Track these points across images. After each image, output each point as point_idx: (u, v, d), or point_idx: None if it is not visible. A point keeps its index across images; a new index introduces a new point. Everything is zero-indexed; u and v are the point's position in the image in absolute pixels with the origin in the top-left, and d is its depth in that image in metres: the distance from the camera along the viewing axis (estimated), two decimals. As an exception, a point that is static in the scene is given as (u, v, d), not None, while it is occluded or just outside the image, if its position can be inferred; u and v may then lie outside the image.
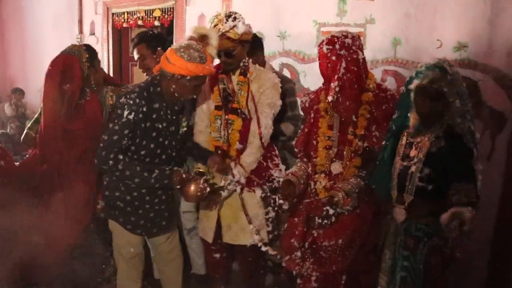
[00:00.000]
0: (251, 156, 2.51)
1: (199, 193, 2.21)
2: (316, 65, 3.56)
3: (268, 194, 2.61)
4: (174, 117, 2.36)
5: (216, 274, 2.98)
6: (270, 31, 3.79)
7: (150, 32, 3.06)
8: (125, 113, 2.15)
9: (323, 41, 2.19)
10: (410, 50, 3.17)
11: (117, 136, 2.16)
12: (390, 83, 3.20)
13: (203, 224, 2.75)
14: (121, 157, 2.16)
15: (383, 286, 2.14)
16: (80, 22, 6.15)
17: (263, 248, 2.52)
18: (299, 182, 2.34)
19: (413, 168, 1.97)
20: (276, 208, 2.56)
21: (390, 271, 2.08)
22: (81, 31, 6.16)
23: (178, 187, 2.24)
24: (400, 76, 3.22)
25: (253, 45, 2.69)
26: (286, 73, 3.77)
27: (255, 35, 2.82)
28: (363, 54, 2.19)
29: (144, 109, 2.18)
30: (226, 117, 2.56)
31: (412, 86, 1.95)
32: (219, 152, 2.59)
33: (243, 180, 2.50)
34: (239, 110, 2.53)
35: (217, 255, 2.83)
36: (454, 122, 1.93)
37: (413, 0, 3.12)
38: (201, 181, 2.21)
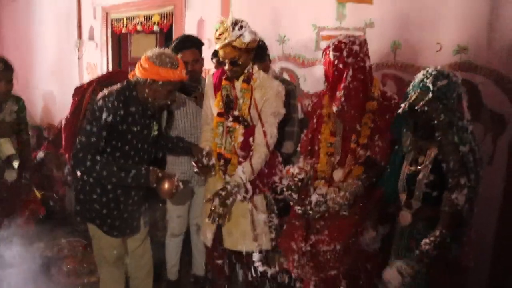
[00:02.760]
0: (258, 159, 2.50)
1: (174, 190, 2.32)
2: (316, 69, 3.62)
3: (271, 201, 2.61)
4: (147, 122, 2.43)
5: (218, 279, 2.98)
6: (269, 35, 3.77)
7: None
8: (104, 115, 2.21)
9: (329, 46, 2.15)
10: (410, 54, 3.15)
11: (95, 138, 2.22)
12: (390, 87, 3.18)
13: (204, 229, 2.75)
14: (98, 158, 2.23)
15: None
16: (79, 27, 6.13)
17: (261, 268, 2.54)
18: (308, 177, 2.31)
19: (420, 175, 1.95)
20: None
21: None
22: (80, 37, 6.15)
23: (154, 185, 2.32)
24: (400, 80, 3.20)
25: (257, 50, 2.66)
26: (286, 77, 3.76)
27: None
28: (369, 61, 2.17)
29: (121, 112, 2.26)
30: (228, 124, 2.55)
31: (400, 111, 1.96)
32: (222, 160, 2.58)
33: (249, 186, 2.49)
34: (240, 118, 2.52)
35: (220, 261, 2.83)
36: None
37: (412, 3, 3.10)
38: (175, 178, 2.33)
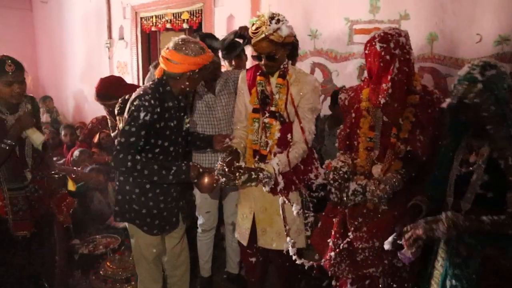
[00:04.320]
0: (296, 154, 2.45)
1: (214, 184, 2.32)
2: (349, 64, 3.56)
3: (307, 198, 2.57)
4: (181, 115, 2.43)
5: (252, 277, 2.96)
6: (301, 30, 3.73)
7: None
8: (141, 114, 2.20)
9: (374, 37, 2.08)
10: (448, 46, 3.06)
11: (134, 138, 2.21)
12: (427, 80, 3.10)
13: (239, 226, 2.74)
14: (138, 157, 2.23)
15: None
16: (109, 27, 6.23)
17: (298, 261, 2.46)
18: (349, 169, 2.24)
19: (474, 176, 1.84)
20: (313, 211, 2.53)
21: (442, 280, 1.98)
22: (110, 36, 6.24)
23: (195, 181, 2.33)
24: (437, 72, 3.11)
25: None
26: (318, 72, 3.72)
27: None
28: (413, 54, 2.11)
29: (158, 110, 2.25)
30: (264, 120, 2.52)
31: (444, 105, 1.86)
32: (257, 157, 2.55)
33: (280, 179, 2.44)
34: (277, 114, 2.48)
35: (253, 259, 2.81)
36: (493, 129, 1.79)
37: (449, -7, 3.02)
38: (215, 173, 2.31)
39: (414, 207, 2.04)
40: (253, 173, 2.37)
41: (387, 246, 1.97)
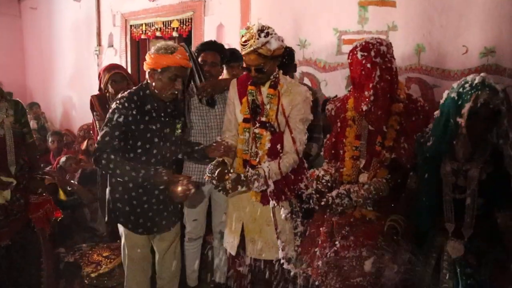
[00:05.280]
0: (287, 163, 2.44)
1: (187, 192, 2.29)
2: (337, 74, 3.58)
3: (297, 208, 2.56)
4: (168, 119, 2.46)
5: (239, 287, 2.93)
6: (290, 39, 3.75)
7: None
8: (115, 116, 2.29)
9: (356, 46, 2.12)
10: (435, 57, 3.11)
11: (108, 137, 2.29)
12: (415, 91, 3.14)
13: (227, 236, 2.72)
14: (112, 156, 2.26)
15: None
16: (99, 34, 6.21)
17: (285, 266, 2.46)
18: (333, 179, 2.29)
19: (468, 200, 1.86)
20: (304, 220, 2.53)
21: None
22: (99, 43, 6.22)
23: (162, 187, 2.33)
24: (424, 83, 3.15)
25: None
26: (307, 82, 3.73)
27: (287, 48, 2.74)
28: (395, 63, 2.14)
29: (134, 112, 2.32)
30: (255, 130, 2.51)
31: (464, 110, 1.78)
32: (248, 167, 2.53)
33: (270, 182, 2.42)
34: (267, 124, 2.47)
35: (241, 269, 2.79)
36: (498, 143, 1.81)
37: (436, 6, 3.06)
38: (185, 181, 2.30)
39: (391, 228, 2.08)
40: (242, 175, 2.39)
41: (367, 268, 1.98)
